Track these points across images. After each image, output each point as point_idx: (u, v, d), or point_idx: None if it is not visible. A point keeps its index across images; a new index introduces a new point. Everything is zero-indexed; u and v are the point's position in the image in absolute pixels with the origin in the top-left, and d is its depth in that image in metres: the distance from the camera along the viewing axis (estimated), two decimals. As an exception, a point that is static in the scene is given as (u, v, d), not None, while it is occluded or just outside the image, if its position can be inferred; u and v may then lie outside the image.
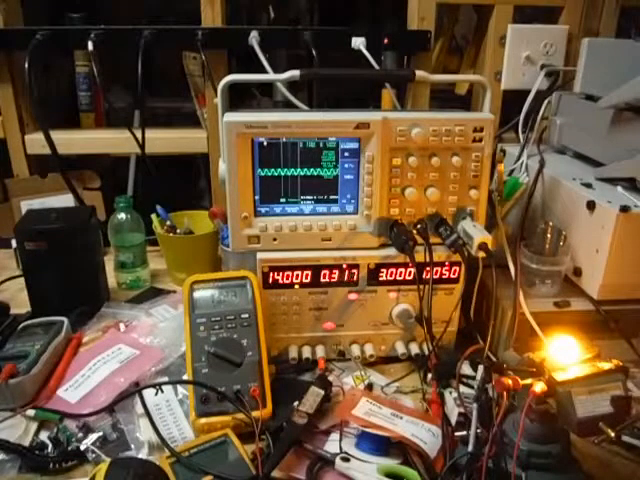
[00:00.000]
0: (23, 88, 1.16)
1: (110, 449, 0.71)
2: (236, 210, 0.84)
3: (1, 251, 1.24)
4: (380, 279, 0.87)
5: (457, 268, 0.87)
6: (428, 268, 0.81)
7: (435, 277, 0.85)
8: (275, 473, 0.67)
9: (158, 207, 1.14)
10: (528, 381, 0.60)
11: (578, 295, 0.88)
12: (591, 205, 0.83)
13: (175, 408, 0.78)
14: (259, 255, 0.85)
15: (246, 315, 0.83)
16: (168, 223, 1.14)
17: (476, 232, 0.80)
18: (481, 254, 0.78)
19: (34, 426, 0.75)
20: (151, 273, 1.17)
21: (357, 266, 0.86)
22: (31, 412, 0.76)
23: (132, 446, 0.72)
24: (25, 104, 1.22)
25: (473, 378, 0.76)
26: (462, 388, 0.76)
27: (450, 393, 0.79)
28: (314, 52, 1.12)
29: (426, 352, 0.85)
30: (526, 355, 0.67)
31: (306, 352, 0.88)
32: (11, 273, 1.14)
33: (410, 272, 0.86)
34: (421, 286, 0.82)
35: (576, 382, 0.59)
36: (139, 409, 0.76)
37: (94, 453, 0.70)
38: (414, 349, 0.90)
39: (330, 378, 0.81)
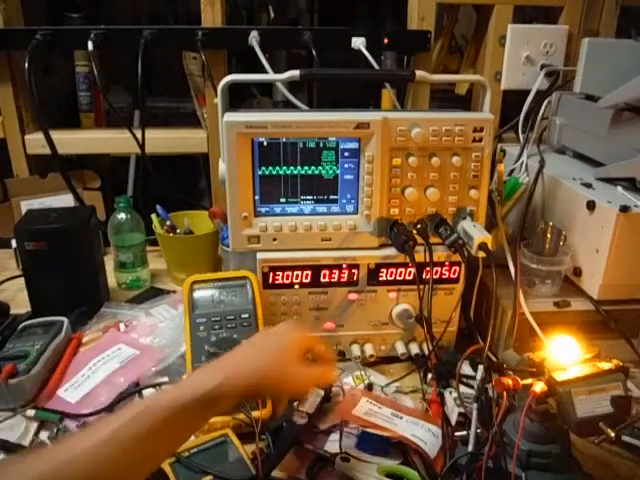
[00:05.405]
0: (23, 88, 1.16)
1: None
2: (236, 210, 0.84)
3: (1, 251, 1.24)
4: (380, 279, 0.87)
5: (457, 268, 0.87)
6: (428, 268, 0.81)
7: (435, 277, 0.84)
8: (275, 473, 0.67)
9: (158, 207, 1.14)
10: (528, 381, 0.60)
11: (578, 295, 0.88)
12: (591, 205, 0.83)
13: (175, 408, 0.78)
14: (259, 255, 0.85)
15: (246, 315, 0.83)
16: (168, 223, 1.14)
17: (476, 232, 0.80)
18: (481, 254, 0.79)
19: (34, 426, 0.75)
20: (151, 273, 1.17)
21: (357, 266, 0.86)
22: (31, 412, 0.76)
23: (132, 446, 0.72)
24: (25, 104, 1.22)
25: (473, 378, 0.76)
26: (462, 388, 0.77)
27: (450, 393, 0.79)
28: (314, 52, 1.12)
29: (426, 352, 0.85)
30: (526, 355, 0.66)
31: (306, 352, 0.88)
32: (11, 273, 1.14)
33: (410, 272, 0.86)
34: (421, 286, 0.82)
35: (576, 382, 0.59)
36: (139, 409, 0.76)
37: (94, 453, 0.70)
38: (414, 349, 0.90)
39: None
